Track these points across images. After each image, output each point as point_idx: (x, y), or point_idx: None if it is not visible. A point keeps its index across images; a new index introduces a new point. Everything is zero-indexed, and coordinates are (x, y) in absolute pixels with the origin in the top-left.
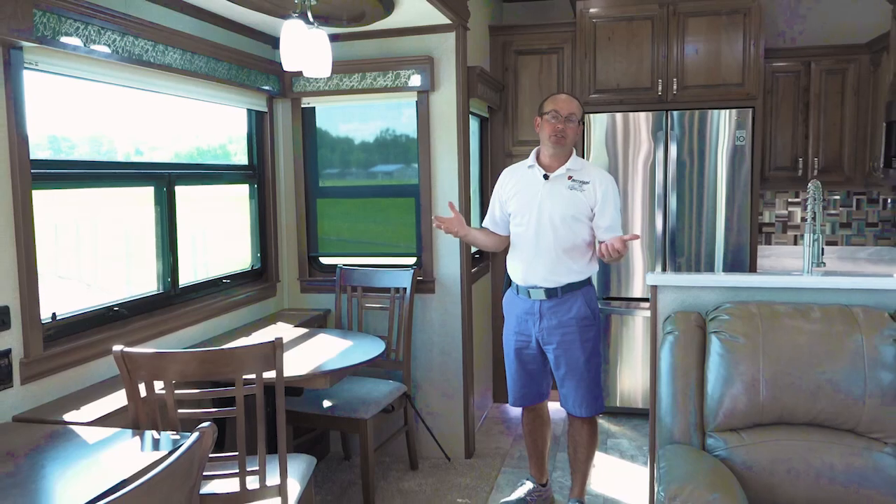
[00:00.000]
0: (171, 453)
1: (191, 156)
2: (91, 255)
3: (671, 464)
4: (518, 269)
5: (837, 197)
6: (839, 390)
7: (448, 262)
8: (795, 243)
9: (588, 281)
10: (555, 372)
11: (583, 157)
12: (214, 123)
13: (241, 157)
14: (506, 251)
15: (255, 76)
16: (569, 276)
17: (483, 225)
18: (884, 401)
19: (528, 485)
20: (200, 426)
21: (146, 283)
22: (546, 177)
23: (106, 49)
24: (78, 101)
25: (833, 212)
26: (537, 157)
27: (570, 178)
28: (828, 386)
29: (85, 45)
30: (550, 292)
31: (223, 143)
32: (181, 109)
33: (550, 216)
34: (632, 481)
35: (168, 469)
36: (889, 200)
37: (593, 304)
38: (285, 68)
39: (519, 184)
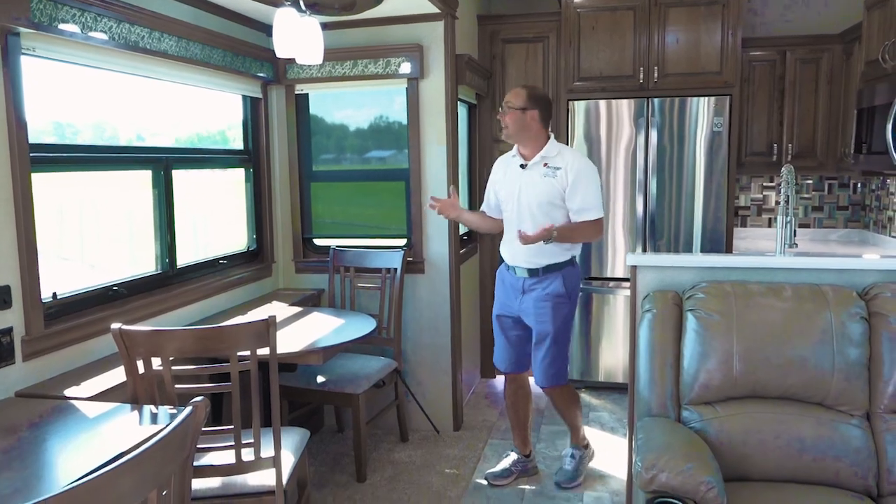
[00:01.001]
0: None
1: (189, 141)
2: (93, 237)
3: (648, 435)
4: (506, 250)
5: (810, 181)
6: (809, 365)
7: (437, 243)
8: (770, 226)
9: (570, 262)
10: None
11: (565, 144)
12: (210, 109)
13: (236, 142)
14: (502, 233)
15: (250, 63)
16: (549, 257)
17: (481, 209)
18: (850, 375)
19: (513, 456)
20: (193, 400)
21: (145, 263)
22: (523, 166)
23: (103, 36)
24: (78, 88)
25: (806, 196)
26: (518, 148)
27: (545, 164)
28: (798, 361)
29: (82, 32)
30: (532, 272)
31: (219, 129)
32: (178, 96)
33: (528, 203)
34: (612, 452)
35: (161, 441)
36: (859, 185)
37: (570, 284)
38: (278, 55)
39: (505, 173)
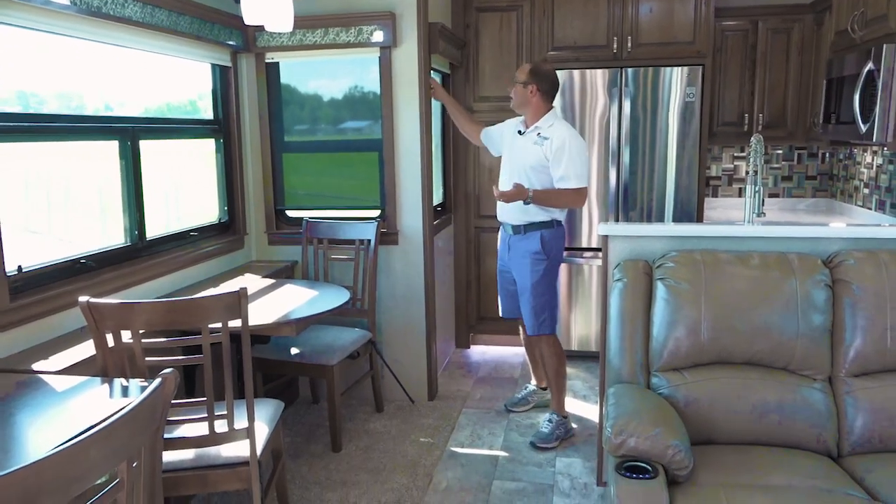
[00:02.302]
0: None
1: (157, 111)
2: (61, 209)
3: (618, 401)
4: (499, 207)
5: (780, 151)
6: (774, 331)
7: (411, 214)
8: (740, 195)
9: (551, 223)
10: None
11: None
12: (179, 78)
13: (206, 112)
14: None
15: (218, 30)
16: (530, 216)
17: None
18: (814, 341)
19: (531, 387)
20: (163, 372)
21: (114, 235)
22: (521, 133)
23: (66, 1)
24: (41, 56)
25: (776, 165)
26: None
27: (538, 134)
28: (764, 327)
29: None
30: (516, 228)
31: (189, 99)
32: (145, 64)
33: (521, 165)
34: (583, 418)
35: (130, 413)
36: (827, 154)
37: (549, 243)
38: (246, 22)
39: (510, 135)
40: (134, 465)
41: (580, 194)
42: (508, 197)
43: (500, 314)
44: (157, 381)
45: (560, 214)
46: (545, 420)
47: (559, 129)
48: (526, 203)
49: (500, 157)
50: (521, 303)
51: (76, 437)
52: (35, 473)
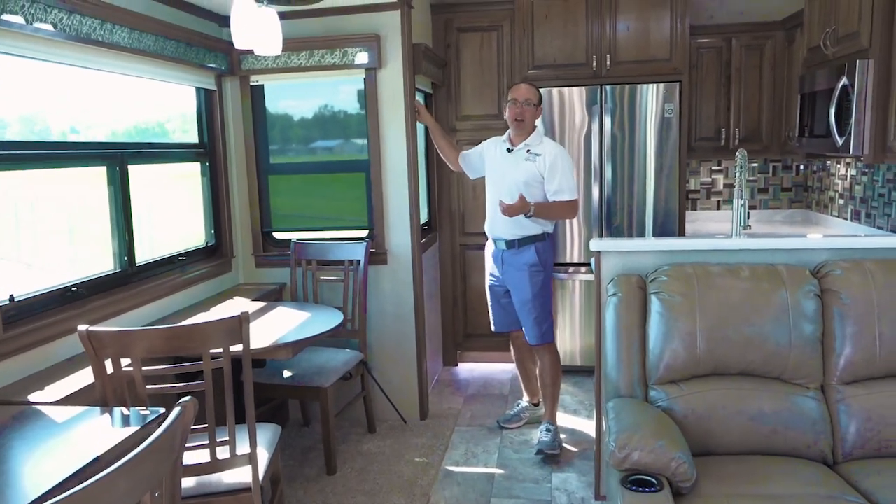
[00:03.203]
0: (145, 427)
1: (144, 134)
2: (51, 237)
3: (619, 415)
4: (489, 223)
5: (756, 164)
6: (767, 342)
7: (399, 234)
8: (719, 208)
9: (543, 236)
10: (516, 307)
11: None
12: (165, 102)
13: (191, 136)
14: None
15: (204, 54)
16: (524, 230)
17: (461, 153)
18: (806, 350)
19: (523, 403)
20: (182, 401)
21: (103, 262)
22: (509, 150)
23: (50, 27)
24: (27, 82)
25: (752, 178)
26: (509, 135)
27: (528, 150)
28: (757, 338)
29: (29, 23)
30: (510, 243)
31: (174, 122)
32: (132, 89)
33: (512, 182)
34: (575, 433)
35: (154, 444)
36: (801, 166)
37: (543, 255)
38: (237, 46)
39: (493, 153)
40: (156, 494)
41: (573, 205)
42: (513, 211)
43: (493, 329)
44: (177, 409)
45: (550, 227)
46: (543, 430)
47: (549, 146)
48: (528, 216)
49: (482, 177)
50: (522, 315)
51: (84, 468)
52: None
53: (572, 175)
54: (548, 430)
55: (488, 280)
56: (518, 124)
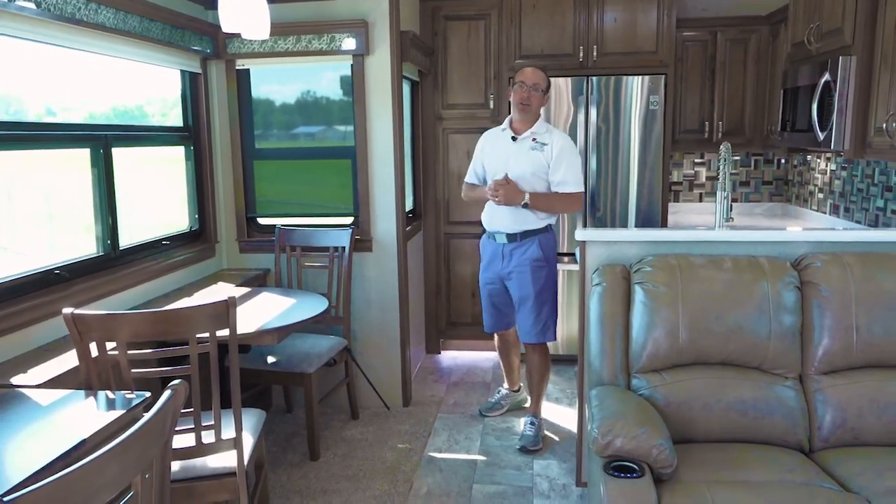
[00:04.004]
0: (130, 411)
1: (125, 117)
2: (33, 220)
3: (602, 403)
4: (487, 217)
5: (738, 158)
6: (748, 332)
7: (384, 221)
8: (701, 200)
9: (546, 228)
10: (515, 304)
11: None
12: (150, 85)
13: (175, 119)
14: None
15: (189, 37)
16: (527, 223)
17: (466, 181)
18: (785, 341)
19: (503, 391)
20: (172, 383)
21: (87, 245)
22: (514, 139)
23: (33, 6)
24: (6, 61)
25: (734, 171)
26: (510, 122)
27: (533, 139)
28: (738, 328)
29: (11, 1)
30: (511, 237)
31: (160, 105)
32: (115, 70)
33: (518, 173)
34: (558, 422)
35: (145, 426)
36: (782, 160)
37: (547, 249)
38: (224, 30)
39: (493, 144)
40: (146, 476)
41: (577, 198)
42: (507, 198)
43: (486, 330)
44: (168, 392)
45: (552, 219)
46: (527, 424)
47: (556, 135)
48: (523, 206)
49: (471, 164)
50: (520, 312)
51: (71, 451)
52: (59, 489)
53: (579, 167)
54: (532, 424)
55: (484, 278)
56: (523, 108)
